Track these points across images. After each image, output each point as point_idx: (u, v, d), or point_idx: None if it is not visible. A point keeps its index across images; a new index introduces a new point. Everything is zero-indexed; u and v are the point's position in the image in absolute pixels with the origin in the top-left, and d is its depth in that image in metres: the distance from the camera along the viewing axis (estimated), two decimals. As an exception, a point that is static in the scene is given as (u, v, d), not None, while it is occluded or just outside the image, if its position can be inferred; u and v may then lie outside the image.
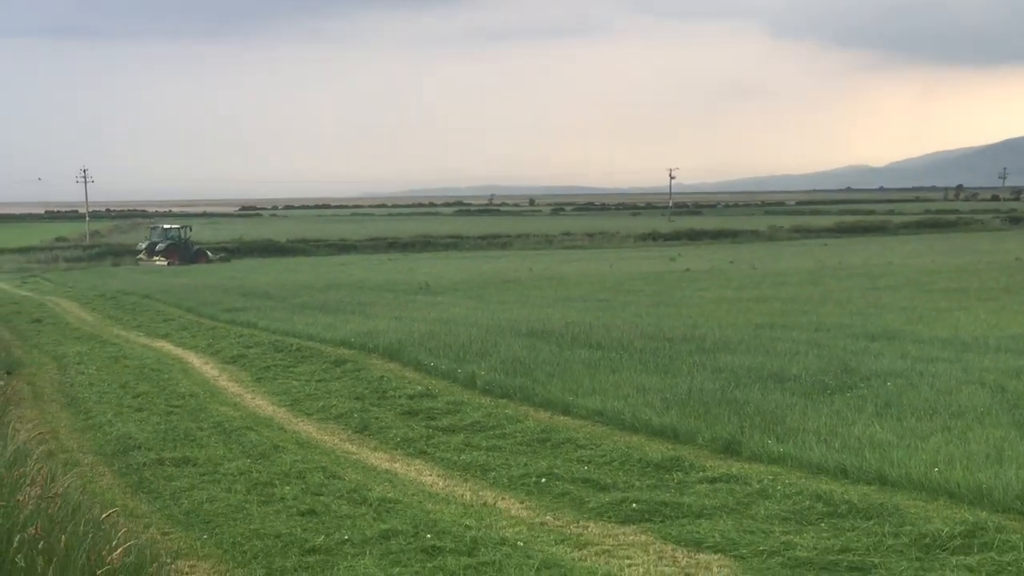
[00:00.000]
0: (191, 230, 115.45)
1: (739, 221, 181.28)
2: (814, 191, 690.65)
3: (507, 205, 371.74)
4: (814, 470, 14.16)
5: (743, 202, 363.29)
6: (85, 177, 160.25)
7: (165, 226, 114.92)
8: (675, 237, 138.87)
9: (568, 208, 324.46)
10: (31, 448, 14.40)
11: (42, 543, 8.55)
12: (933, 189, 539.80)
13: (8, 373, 25.76)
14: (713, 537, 11.76)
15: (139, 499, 14.74)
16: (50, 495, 10.20)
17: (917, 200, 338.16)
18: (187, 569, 11.50)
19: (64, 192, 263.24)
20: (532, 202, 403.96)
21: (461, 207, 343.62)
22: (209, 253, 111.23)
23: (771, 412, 17.13)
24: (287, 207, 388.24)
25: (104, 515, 10.25)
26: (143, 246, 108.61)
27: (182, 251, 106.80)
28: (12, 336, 36.06)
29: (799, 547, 11.24)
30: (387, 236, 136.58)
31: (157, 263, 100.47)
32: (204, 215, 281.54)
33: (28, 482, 10.66)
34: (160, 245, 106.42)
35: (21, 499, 9.92)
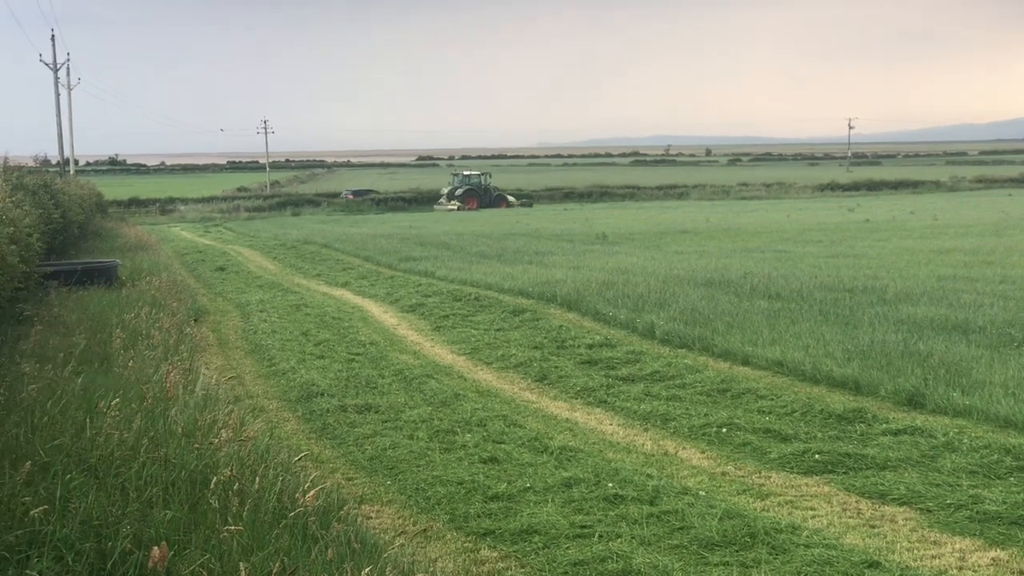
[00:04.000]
0: (491, 177, 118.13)
1: (919, 171, 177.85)
2: (998, 140, 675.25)
3: (683, 155, 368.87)
4: (1002, 424, 13.93)
5: (924, 152, 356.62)
6: (266, 128, 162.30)
7: (466, 172, 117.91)
8: (853, 188, 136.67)
9: (745, 158, 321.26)
10: (219, 393, 14.70)
11: (236, 484, 8.77)
12: None
13: (195, 320, 26.32)
14: (898, 489, 11.64)
15: (323, 445, 14.99)
16: (241, 439, 10.43)
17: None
18: (373, 514, 11.69)
19: (245, 143, 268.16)
20: (708, 152, 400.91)
21: (637, 157, 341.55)
22: (511, 198, 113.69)
23: (956, 364, 16.86)
24: (463, 157, 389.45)
25: (296, 459, 10.45)
26: (444, 192, 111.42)
27: (481, 196, 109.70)
28: (197, 284, 36.75)
29: (987, 501, 11.08)
30: (563, 186, 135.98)
31: (448, 208, 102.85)
32: (382, 165, 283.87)
33: (220, 426, 10.92)
34: (459, 191, 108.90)
35: (214, 442, 10.17)
